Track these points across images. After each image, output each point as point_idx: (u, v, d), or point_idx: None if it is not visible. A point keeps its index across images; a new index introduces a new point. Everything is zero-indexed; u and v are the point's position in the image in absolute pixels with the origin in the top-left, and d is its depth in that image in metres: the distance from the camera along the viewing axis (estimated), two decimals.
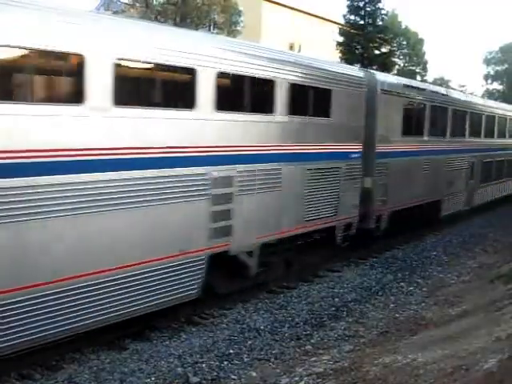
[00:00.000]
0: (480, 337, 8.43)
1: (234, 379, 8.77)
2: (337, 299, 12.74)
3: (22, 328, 7.94)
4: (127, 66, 9.32)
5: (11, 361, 8.47)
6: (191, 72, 10.01)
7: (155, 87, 10.26)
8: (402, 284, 14.14)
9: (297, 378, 8.38)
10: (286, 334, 10.62)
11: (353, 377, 7.89)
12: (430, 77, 68.29)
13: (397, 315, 11.67)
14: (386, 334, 10.48)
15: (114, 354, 9.52)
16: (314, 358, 9.29)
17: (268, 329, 10.83)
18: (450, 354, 7.81)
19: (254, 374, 8.95)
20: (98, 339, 9.67)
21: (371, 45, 48.16)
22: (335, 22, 54.82)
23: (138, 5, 38.67)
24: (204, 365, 9.18)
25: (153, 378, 8.73)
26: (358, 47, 47.95)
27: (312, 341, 10.31)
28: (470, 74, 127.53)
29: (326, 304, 12.39)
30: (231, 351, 9.75)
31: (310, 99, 13.59)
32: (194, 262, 10.26)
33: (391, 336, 10.28)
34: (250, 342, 10.16)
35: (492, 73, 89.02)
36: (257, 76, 11.45)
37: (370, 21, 48.40)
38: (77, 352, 9.40)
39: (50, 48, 7.94)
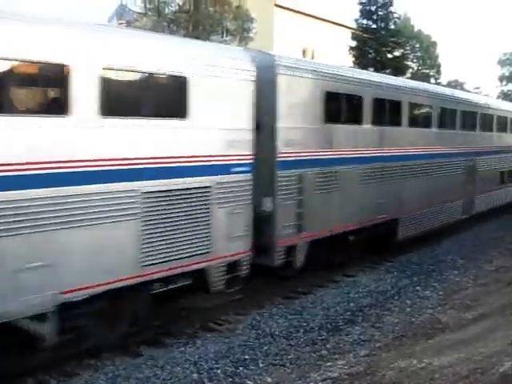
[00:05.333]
0: (496, 340, 8.38)
1: None
2: (352, 304, 12.70)
3: None
4: None
5: (28, 367, 8.57)
6: None
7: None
8: (417, 288, 14.06)
9: (312, 383, 8.36)
10: (302, 339, 10.61)
11: (368, 381, 7.88)
12: (443, 79, 67.90)
13: (413, 319, 11.61)
14: (401, 338, 10.44)
15: (130, 360, 9.58)
16: (329, 363, 9.28)
17: (283, 334, 10.82)
18: (465, 357, 7.77)
19: (270, 379, 8.96)
20: (113, 346, 9.72)
21: (384, 49, 48.09)
22: (347, 27, 54.79)
23: (150, 13, 38.88)
24: (219, 371, 9.19)
25: None
26: (371, 51, 47.89)
27: (327, 346, 10.29)
28: (485, 75, 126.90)
29: (342, 309, 12.36)
30: (246, 357, 9.75)
31: (144, 92, 9.88)
32: None
33: (407, 340, 10.24)
34: (265, 348, 10.16)
35: (507, 74, 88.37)
36: None
37: (383, 25, 48.39)
38: (92, 358, 9.46)
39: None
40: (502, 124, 26.26)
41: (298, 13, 55.56)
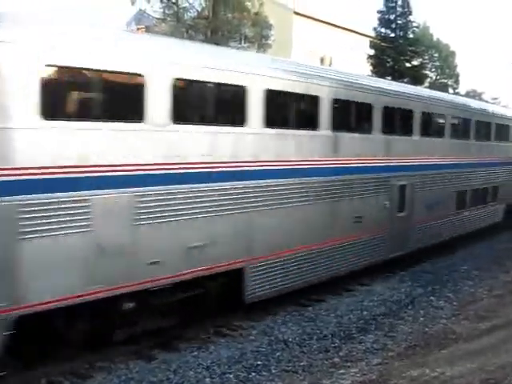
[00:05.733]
0: (509, 351, 8.37)
1: None
2: (365, 312, 12.69)
3: None
4: None
5: (41, 368, 8.69)
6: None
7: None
8: (431, 298, 14.01)
9: None
10: (314, 347, 10.62)
11: None
12: (462, 89, 67.63)
13: (426, 329, 11.58)
14: (414, 347, 10.42)
15: (143, 363, 9.64)
16: (341, 371, 9.29)
17: (296, 341, 10.84)
18: (478, 367, 7.76)
19: None
20: (126, 349, 9.82)
21: (402, 57, 48.14)
22: (366, 35, 54.85)
23: (169, 19, 39.19)
24: (232, 375, 9.23)
25: None
26: (389, 60, 47.90)
27: (340, 353, 10.30)
28: (504, 86, 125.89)
29: (355, 317, 12.35)
30: (259, 362, 9.78)
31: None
32: None
33: (420, 350, 10.22)
34: (277, 354, 10.19)
35: None
36: None
37: (401, 33, 48.48)
38: (106, 361, 9.55)
39: None
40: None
41: (317, 21, 55.74)
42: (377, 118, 14.94)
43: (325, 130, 13.02)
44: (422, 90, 21.65)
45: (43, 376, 8.83)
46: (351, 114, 14.65)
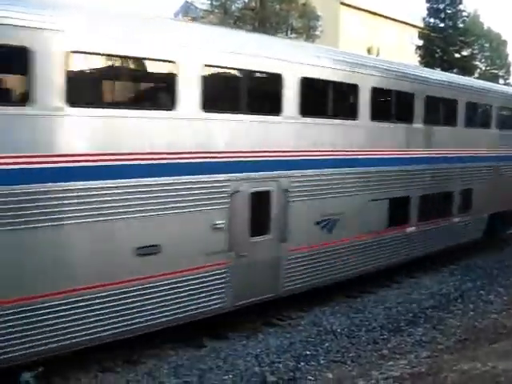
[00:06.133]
0: None
1: (311, 380, 8.87)
2: (414, 305, 12.62)
3: None
4: None
5: (93, 354, 8.92)
6: None
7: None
8: (481, 292, 13.83)
9: (373, 381, 8.36)
10: (363, 338, 10.64)
11: (430, 382, 7.84)
12: None
13: (476, 323, 11.45)
14: (464, 341, 10.32)
15: (193, 351, 9.84)
16: (390, 362, 9.27)
17: (345, 332, 10.88)
18: None
19: (331, 375, 9.02)
20: (176, 336, 9.99)
21: (451, 48, 47.28)
22: (414, 26, 54.04)
23: (216, 11, 39.33)
24: (281, 365, 9.33)
25: (230, 376, 8.95)
26: (438, 50, 47.09)
27: (389, 345, 10.28)
28: None
29: (404, 309, 12.31)
30: (308, 352, 9.86)
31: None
32: None
33: (470, 344, 10.11)
34: (326, 344, 10.25)
35: None
36: None
37: (451, 23, 47.58)
38: (156, 348, 9.76)
39: None
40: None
41: (364, 11, 55.08)
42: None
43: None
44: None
45: (96, 362, 9.09)
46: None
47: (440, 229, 15.70)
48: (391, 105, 14.03)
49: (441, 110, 16.03)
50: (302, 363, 9.45)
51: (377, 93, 13.05)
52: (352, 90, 12.60)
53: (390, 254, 13.91)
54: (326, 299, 12.55)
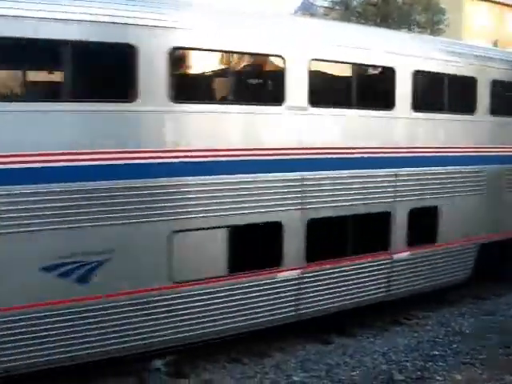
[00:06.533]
0: None
1: (439, 380, 8.76)
2: None
3: None
4: None
5: (222, 346, 9.32)
6: None
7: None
8: None
9: None
10: (494, 341, 10.33)
11: None
12: None
13: None
14: None
15: (320, 346, 10.03)
16: None
17: (474, 333, 10.65)
18: None
19: (459, 377, 8.86)
20: (304, 331, 10.22)
21: None
22: None
23: (337, 7, 39.22)
24: (408, 364, 9.29)
25: (357, 372, 9.03)
26: None
27: None
28: None
29: None
30: (436, 352, 9.74)
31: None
32: None
33: None
34: (454, 346, 10.07)
35: None
36: None
37: None
38: (283, 342, 10.02)
39: None
40: None
41: (489, 1, 52.64)
42: None
43: None
44: None
45: (224, 352, 9.46)
46: None
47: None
48: None
49: None
50: (430, 363, 9.34)
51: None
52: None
53: None
54: (454, 300, 12.35)
